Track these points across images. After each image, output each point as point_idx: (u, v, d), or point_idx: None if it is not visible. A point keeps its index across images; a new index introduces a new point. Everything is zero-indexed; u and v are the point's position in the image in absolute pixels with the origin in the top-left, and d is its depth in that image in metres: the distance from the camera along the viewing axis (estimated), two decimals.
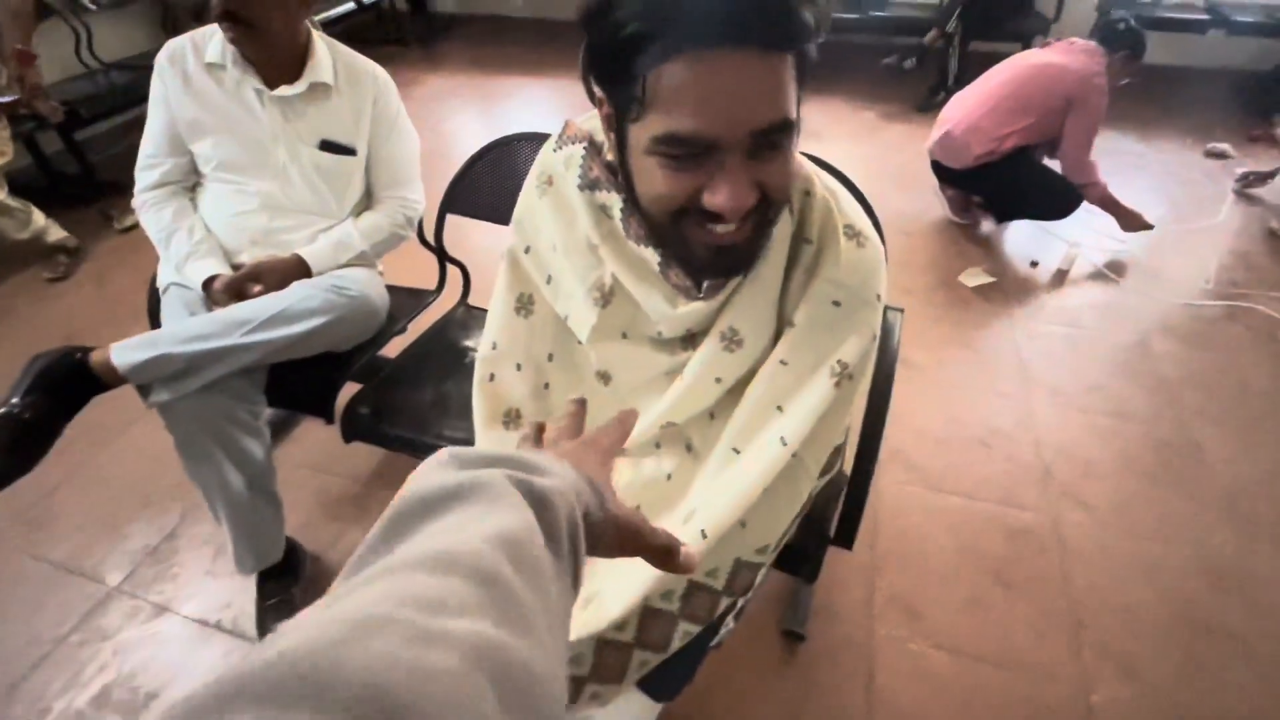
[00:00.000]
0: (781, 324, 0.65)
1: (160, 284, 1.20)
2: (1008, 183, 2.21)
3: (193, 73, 1.16)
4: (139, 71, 2.89)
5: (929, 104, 3.33)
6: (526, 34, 4.50)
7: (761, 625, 1.22)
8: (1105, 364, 1.83)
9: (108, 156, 2.95)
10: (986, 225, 2.43)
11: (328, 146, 1.22)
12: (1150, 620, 1.23)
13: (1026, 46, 3.29)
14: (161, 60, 1.16)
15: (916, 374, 1.79)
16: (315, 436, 1.63)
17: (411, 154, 1.33)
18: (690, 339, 0.69)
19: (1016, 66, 2.18)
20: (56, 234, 2.25)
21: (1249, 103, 3.27)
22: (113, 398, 1.00)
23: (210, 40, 1.16)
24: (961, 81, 3.21)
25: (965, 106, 2.20)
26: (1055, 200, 2.20)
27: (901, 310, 1.07)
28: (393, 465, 1.56)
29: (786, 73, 0.48)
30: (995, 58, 3.25)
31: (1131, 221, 2.19)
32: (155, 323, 1.26)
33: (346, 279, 1.15)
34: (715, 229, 0.54)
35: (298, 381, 1.20)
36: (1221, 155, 2.87)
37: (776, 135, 0.50)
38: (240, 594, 1.29)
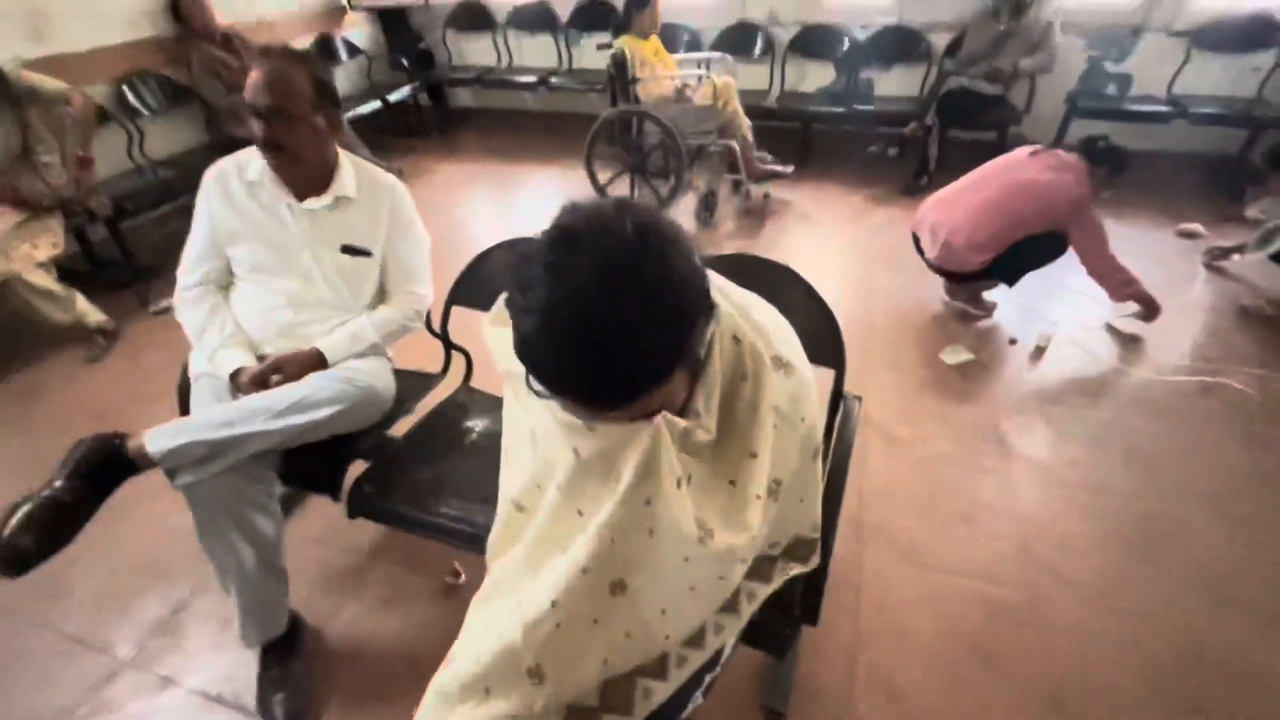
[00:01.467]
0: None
1: (192, 372, 1.32)
2: (1010, 262, 2.29)
3: (234, 189, 1.32)
4: (182, 168, 3.16)
5: (913, 188, 3.54)
6: (536, 126, 4.86)
7: (742, 701, 1.25)
8: (1084, 439, 1.89)
9: (147, 244, 3.19)
10: (995, 317, 2.49)
11: (348, 250, 1.37)
12: (1132, 700, 1.25)
13: (1002, 136, 3.53)
14: (208, 179, 1.33)
15: (900, 449, 1.86)
16: (322, 511, 1.71)
17: (422, 254, 1.48)
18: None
19: (1008, 181, 2.24)
20: (96, 317, 2.42)
21: (1217, 185, 3.44)
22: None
23: (250, 162, 1.33)
24: (942, 166, 3.43)
25: (959, 214, 2.26)
26: (1052, 246, 2.26)
27: (859, 397, 1.16)
28: (392, 540, 1.63)
29: (650, 398, 0.58)
30: (972, 145, 3.48)
31: (1154, 312, 2.28)
32: (184, 404, 1.37)
33: (358, 371, 1.27)
34: None
35: (309, 461, 1.30)
36: (1192, 235, 3.01)
37: (650, 416, 0.62)
38: (242, 666, 1.34)
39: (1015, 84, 3.50)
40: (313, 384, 1.20)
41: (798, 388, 0.72)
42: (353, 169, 1.38)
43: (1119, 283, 2.24)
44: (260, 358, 1.30)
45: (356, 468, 1.32)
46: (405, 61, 4.52)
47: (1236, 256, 2.68)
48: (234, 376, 1.25)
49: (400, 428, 1.45)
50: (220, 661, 1.37)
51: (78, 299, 2.38)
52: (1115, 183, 2.25)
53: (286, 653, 1.30)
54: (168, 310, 2.67)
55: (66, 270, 2.46)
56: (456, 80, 4.76)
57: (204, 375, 1.28)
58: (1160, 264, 2.76)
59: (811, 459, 0.78)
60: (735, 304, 0.73)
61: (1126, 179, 2.26)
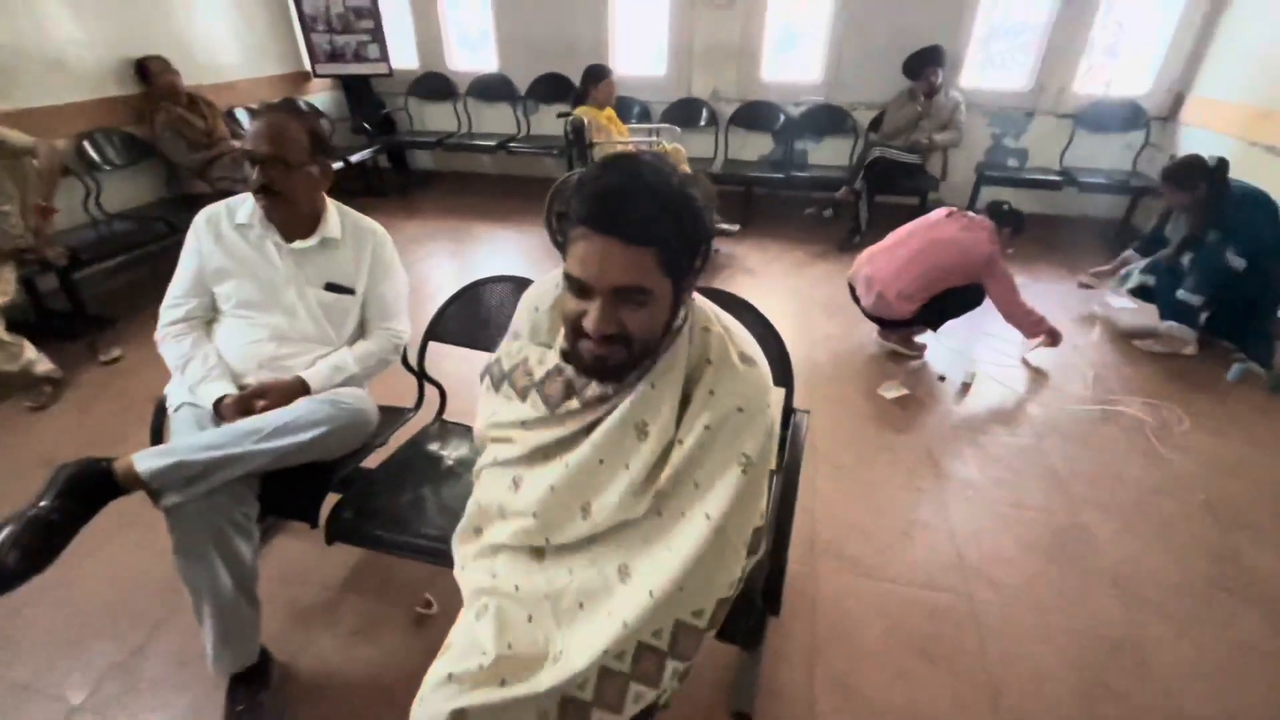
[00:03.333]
0: (678, 427, 0.85)
1: (171, 404, 1.36)
2: (934, 310, 2.56)
3: (224, 231, 1.41)
4: (138, 221, 3.17)
5: (848, 245, 3.87)
6: (493, 188, 5.07)
7: (711, 706, 1.31)
8: (1006, 462, 2.09)
9: (97, 295, 3.15)
10: (925, 357, 2.74)
11: (331, 287, 1.46)
12: (1058, 685, 1.38)
13: (923, 200, 3.93)
14: (199, 221, 1.41)
15: (844, 474, 2.01)
16: (290, 549, 1.72)
17: (402, 293, 1.58)
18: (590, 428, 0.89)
19: (932, 239, 2.52)
20: (44, 366, 2.37)
21: (1109, 244, 3.91)
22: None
23: (241, 206, 1.42)
24: (872, 225, 3.78)
25: (890, 268, 2.52)
26: (970, 296, 2.54)
27: (808, 412, 1.30)
28: (362, 573, 1.65)
29: (646, 258, 0.73)
30: (897, 208, 3.84)
31: (1058, 340, 2.60)
32: (157, 439, 1.40)
33: (344, 395, 1.34)
34: (588, 345, 0.79)
35: (285, 490, 1.34)
36: (1089, 286, 3.40)
37: (633, 294, 0.75)
38: (207, 703, 1.32)
39: (932, 155, 3.94)
40: (303, 407, 1.26)
41: (761, 378, 0.86)
42: (338, 213, 1.48)
43: (1030, 323, 2.54)
44: (241, 388, 1.35)
45: (331, 500, 1.36)
46: (367, 125, 4.69)
47: (1112, 294, 3.14)
48: (217, 404, 1.29)
49: (373, 461, 1.51)
50: (183, 700, 1.35)
51: (25, 347, 2.33)
52: (1016, 240, 2.57)
53: (256, 684, 1.29)
54: (118, 359, 2.64)
55: (12, 320, 2.41)
56: (417, 143, 4.95)
57: (185, 405, 1.32)
58: (1065, 311, 3.11)
59: (759, 474, 0.87)
60: (708, 305, 0.87)
61: (1028, 238, 2.60)
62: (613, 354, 0.79)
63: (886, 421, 2.29)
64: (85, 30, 3.20)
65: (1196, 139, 3.66)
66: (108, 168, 3.24)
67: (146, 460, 1.10)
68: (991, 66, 4.32)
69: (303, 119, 1.37)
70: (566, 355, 0.89)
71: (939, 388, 2.51)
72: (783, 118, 4.40)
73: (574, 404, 0.88)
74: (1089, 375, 2.59)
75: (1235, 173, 2.60)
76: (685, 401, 0.85)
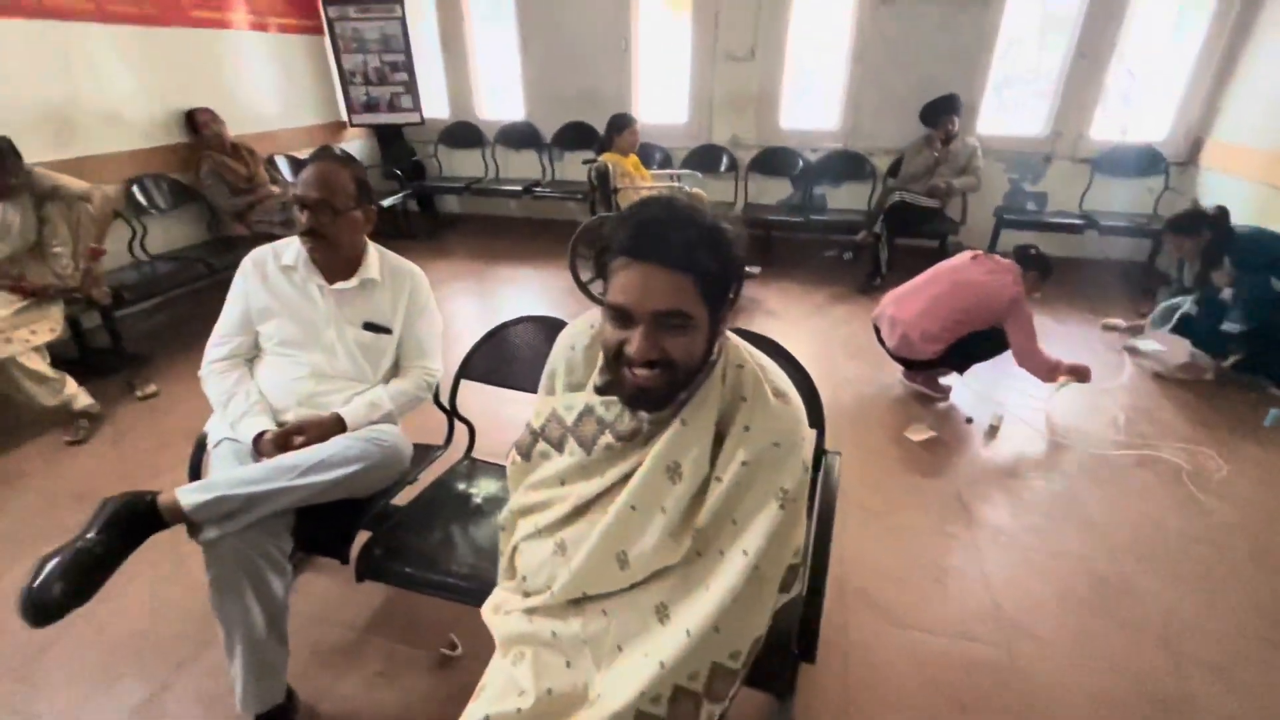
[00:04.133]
0: (713, 465, 0.86)
1: (211, 439, 1.39)
2: (960, 352, 2.56)
3: (270, 273, 1.46)
4: (180, 262, 3.30)
5: (869, 287, 3.88)
6: (518, 231, 5.20)
7: None
8: (1039, 507, 2.04)
9: (136, 333, 3.25)
10: (951, 399, 2.72)
11: (370, 327, 1.50)
12: None
13: (943, 243, 3.95)
14: (246, 263, 1.47)
15: (873, 518, 1.98)
16: (316, 587, 1.72)
17: (436, 334, 1.61)
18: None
19: (956, 281, 2.54)
20: (83, 401, 2.44)
21: (1132, 286, 3.89)
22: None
23: (287, 249, 1.48)
24: (892, 268, 3.80)
25: (914, 309, 2.54)
26: (997, 340, 2.51)
27: (839, 453, 1.30)
28: (387, 614, 1.64)
29: (686, 284, 0.76)
30: (917, 250, 3.86)
31: (1085, 375, 2.53)
32: (195, 475, 1.43)
33: (380, 432, 1.37)
34: (632, 372, 0.81)
35: (318, 527, 1.35)
36: (1115, 328, 3.37)
37: (674, 319, 0.77)
38: None
39: (950, 199, 3.98)
40: (340, 444, 1.28)
41: (796, 413, 0.87)
42: (378, 255, 1.54)
43: (1044, 369, 2.49)
44: (280, 424, 1.38)
45: (361, 537, 1.37)
46: (398, 171, 4.87)
47: (1141, 338, 3.10)
48: (256, 440, 1.32)
49: (403, 497, 1.52)
50: None
51: (68, 382, 2.41)
52: (1042, 285, 2.57)
53: None
54: (154, 395, 2.70)
55: (55, 355, 2.50)
56: (445, 188, 5.12)
57: (225, 440, 1.35)
58: (1091, 354, 3.07)
59: (794, 512, 0.87)
60: (740, 343, 0.89)
61: (1053, 283, 2.59)
62: (655, 381, 0.81)
63: (914, 465, 2.26)
64: (140, 84, 3.40)
65: (1216, 183, 3.67)
66: (154, 211, 3.39)
67: (190, 494, 1.13)
68: (1005, 112, 4.40)
69: (350, 166, 1.43)
70: (604, 390, 0.91)
71: (966, 430, 2.48)
72: (801, 163, 4.49)
73: (608, 439, 0.89)
74: (1120, 418, 2.54)
75: (1256, 217, 2.73)
76: (718, 439, 0.86)
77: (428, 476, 1.57)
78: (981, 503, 2.06)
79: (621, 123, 3.54)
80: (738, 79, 4.47)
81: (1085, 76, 3.96)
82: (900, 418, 2.54)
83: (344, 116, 4.87)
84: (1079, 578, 1.76)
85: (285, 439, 1.31)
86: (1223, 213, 2.79)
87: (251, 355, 1.50)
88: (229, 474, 1.20)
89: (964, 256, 2.61)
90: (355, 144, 5.03)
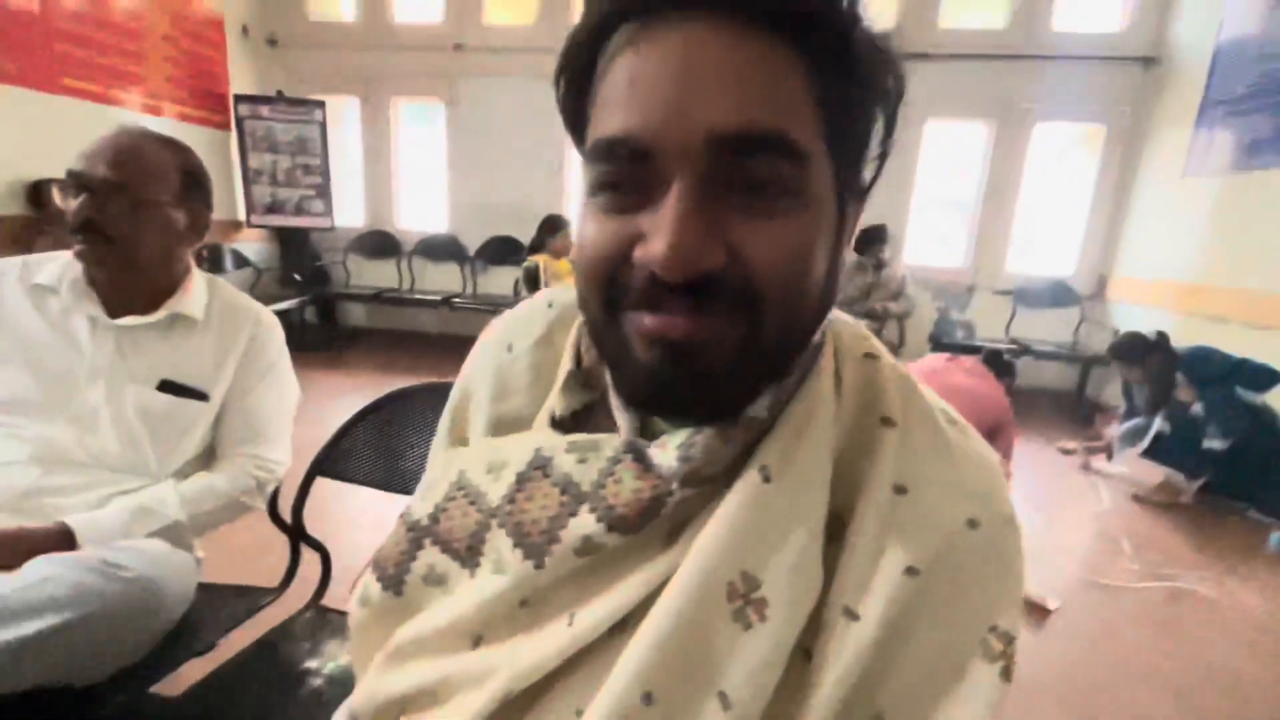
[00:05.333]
0: (831, 582, 0.37)
1: None
2: None
3: (7, 294, 0.91)
4: None
5: None
6: (433, 346, 4.70)
7: None
8: (1090, 661, 1.60)
9: None
10: None
11: (169, 388, 0.95)
12: None
13: None
14: None
15: None
16: None
17: (282, 407, 1.07)
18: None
19: (939, 384, 2.35)
20: None
21: (1067, 413, 3.86)
22: None
23: (48, 264, 0.95)
24: None
25: None
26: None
27: None
28: None
29: (783, 65, 0.32)
30: None
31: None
32: None
33: (128, 553, 0.77)
34: (651, 317, 0.34)
35: None
36: (1070, 451, 3.22)
37: (761, 157, 0.32)
38: None
39: (887, 323, 3.93)
40: (28, 574, 0.68)
41: (989, 457, 0.40)
42: (206, 285, 1.03)
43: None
44: None
45: None
46: (297, 276, 4.36)
47: (1103, 458, 2.96)
48: None
49: (180, 681, 0.87)
50: None
51: None
52: (1010, 394, 2.36)
53: None
54: None
55: None
56: (350, 295, 4.62)
57: None
58: (1058, 477, 2.86)
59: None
60: (855, 323, 0.44)
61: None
62: (715, 331, 0.34)
63: None
64: None
65: (1131, 314, 3.83)
66: None
67: None
68: (928, 241, 4.59)
69: (174, 148, 0.97)
70: (577, 419, 0.44)
71: None
72: None
73: (585, 527, 0.38)
74: (1126, 545, 2.23)
75: (1181, 343, 2.74)
76: (833, 517, 0.37)
77: (241, 640, 0.94)
78: (1027, 664, 1.59)
79: (556, 224, 3.31)
80: None
81: (996, 210, 4.21)
82: None
83: (241, 215, 4.40)
84: None
85: None
86: (1163, 337, 2.81)
87: None
88: None
89: (938, 359, 2.38)
90: (253, 246, 4.52)
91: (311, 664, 0.91)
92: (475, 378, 0.51)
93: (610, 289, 0.35)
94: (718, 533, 0.36)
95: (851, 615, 0.35)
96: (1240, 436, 2.46)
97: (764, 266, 0.33)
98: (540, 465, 0.41)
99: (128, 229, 0.90)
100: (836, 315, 0.43)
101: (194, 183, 0.98)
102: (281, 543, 1.05)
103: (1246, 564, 2.15)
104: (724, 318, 0.34)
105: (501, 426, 0.48)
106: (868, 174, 0.38)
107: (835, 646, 0.35)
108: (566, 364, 0.45)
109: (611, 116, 0.33)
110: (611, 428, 0.43)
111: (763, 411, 0.37)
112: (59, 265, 0.94)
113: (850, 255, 0.41)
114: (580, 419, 0.44)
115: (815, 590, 0.36)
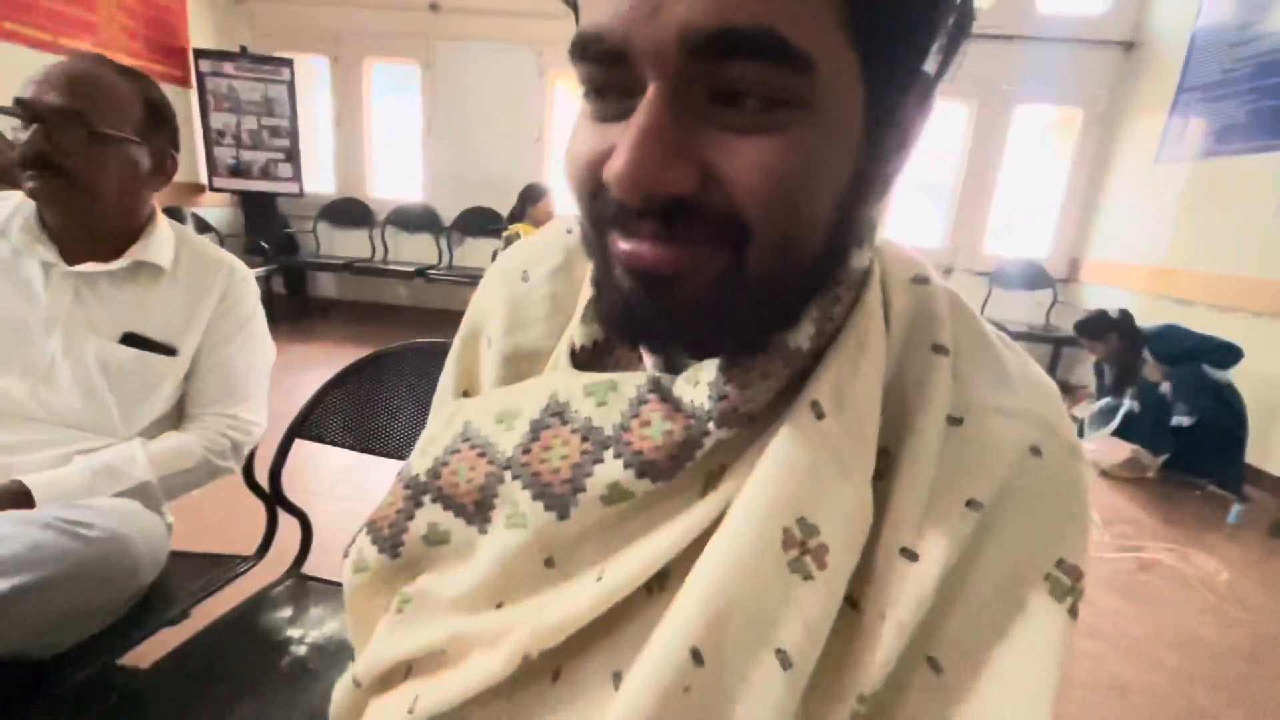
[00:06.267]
0: (885, 517, 0.33)
1: None
2: None
3: None
4: None
5: None
6: (405, 319, 4.58)
7: None
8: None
9: None
10: None
11: (133, 340, 0.88)
12: None
13: None
14: None
15: None
16: None
17: (258, 365, 1.02)
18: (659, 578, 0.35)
19: None
20: None
21: None
22: None
23: None
24: None
25: None
26: None
27: None
28: None
29: None
30: None
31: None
32: None
33: (93, 511, 0.71)
34: (624, 242, 0.30)
35: None
36: None
37: (744, 61, 0.26)
38: None
39: None
40: None
41: (1048, 383, 0.37)
42: (172, 234, 0.95)
43: None
44: None
45: None
46: (264, 244, 4.19)
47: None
48: None
49: (152, 649, 0.82)
50: None
51: None
52: None
53: None
54: None
55: None
56: (320, 265, 4.47)
57: None
58: None
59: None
60: (908, 249, 0.40)
61: None
62: (690, 263, 0.30)
63: None
64: None
65: (1101, 296, 3.91)
66: None
67: None
68: (906, 223, 4.62)
69: (135, 78, 0.89)
70: (597, 355, 0.40)
71: None
72: None
73: (614, 473, 0.34)
74: (1096, 518, 2.29)
75: (1139, 322, 2.84)
76: (882, 452, 0.34)
77: (214, 609, 0.89)
78: None
79: (536, 193, 3.22)
80: None
81: (975, 193, 4.25)
82: None
83: (203, 178, 4.19)
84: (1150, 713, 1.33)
85: None
86: (1125, 315, 2.87)
87: None
88: None
89: None
90: (216, 211, 4.32)
91: (293, 633, 0.86)
92: (486, 310, 0.46)
93: (590, 204, 0.32)
94: (769, 476, 0.33)
95: (910, 556, 0.33)
96: (1204, 414, 2.54)
97: (747, 191, 0.28)
98: (558, 411, 0.37)
99: (84, 164, 0.82)
100: (884, 240, 0.40)
101: (159, 118, 0.91)
102: (255, 511, 1.00)
103: (1209, 536, 2.23)
104: (702, 248, 0.29)
105: (517, 361, 0.43)
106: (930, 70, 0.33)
107: (894, 591, 0.32)
108: (587, 291, 0.41)
109: (589, 6, 0.29)
110: (636, 362, 0.40)
111: (805, 342, 0.34)
112: (9, 205, 0.86)
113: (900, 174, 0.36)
114: (603, 350, 0.40)
115: (866, 533, 0.33)
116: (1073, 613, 0.32)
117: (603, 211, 0.31)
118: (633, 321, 0.33)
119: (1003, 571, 0.33)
